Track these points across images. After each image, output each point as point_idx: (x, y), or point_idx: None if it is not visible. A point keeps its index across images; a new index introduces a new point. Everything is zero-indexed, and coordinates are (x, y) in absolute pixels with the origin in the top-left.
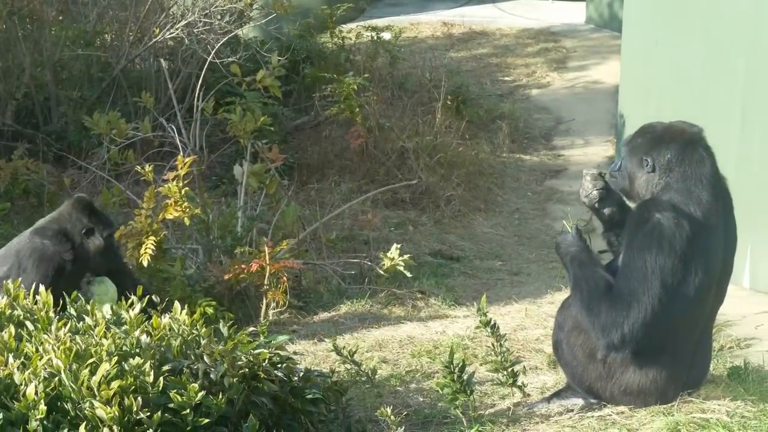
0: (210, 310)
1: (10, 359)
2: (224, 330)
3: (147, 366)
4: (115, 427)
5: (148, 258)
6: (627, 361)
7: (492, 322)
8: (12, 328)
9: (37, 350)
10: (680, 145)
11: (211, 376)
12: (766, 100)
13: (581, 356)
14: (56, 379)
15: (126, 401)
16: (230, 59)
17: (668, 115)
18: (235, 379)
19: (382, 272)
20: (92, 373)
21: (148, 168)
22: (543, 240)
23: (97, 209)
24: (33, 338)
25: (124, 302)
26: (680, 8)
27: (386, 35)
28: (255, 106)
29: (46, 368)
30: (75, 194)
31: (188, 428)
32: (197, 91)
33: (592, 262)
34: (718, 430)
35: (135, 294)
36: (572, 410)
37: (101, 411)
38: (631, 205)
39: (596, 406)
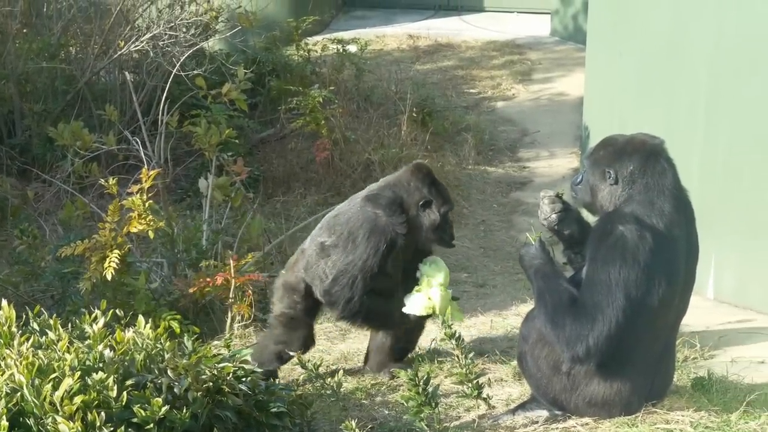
0: (174, 324)
1: None
2: (188, 344)
3: (110, 380)
4: None
5: (112, 271)
6: (591, 373)
7: (457, 334)
8: None
9: None
10: (642, 157)
11: (175, 390)
12: (729, 112)
13: (546, 368)
14: (18, 394)
15: (89, 416)
16: (195, 72)
17: (632, 127)
18: (199, 393)
19: None
20: (55, 388)
21: (112, 181)
22: (508, 252)
23: (437, 180)
24: None
25: None
26: (644, 21)
27: (352, 48)
28: (220, 119)
29: (8, 383)
30: (415, 161)
31: None
32: (162, 104)
33: (556, 275)
34: None
35: None
36: (537, 422)
37: (64, 426)
38: (594, 217)
39: (561, 417)
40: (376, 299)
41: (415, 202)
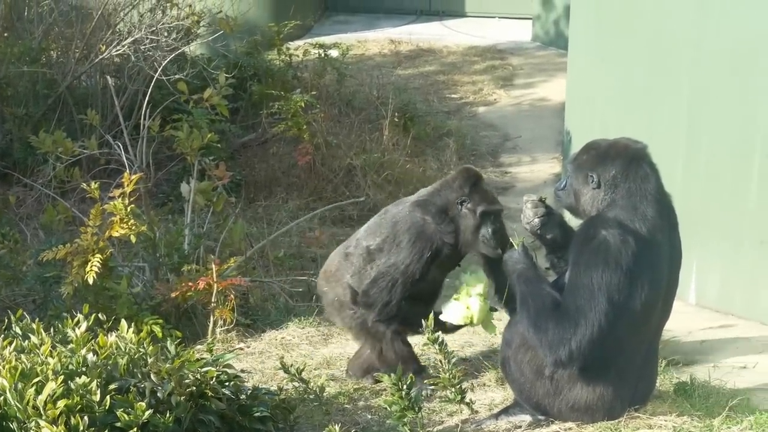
0: (157, 329)
1: None
2: (171, 348)
3: (93, 385)
4: None
5: (94, 276)
6: (574, 378)
7: (440, 339)
8: None
9: None
10: (625, 162)
11: (158, 394)
12: (711, 117)
13: (529, 373)
14: (1, 398)
15: (72, 420)
16: (177, 76)
17: (614, 132)
18: (182, 398)
19: None
20: (38, 392)
21: (94, 185)
22: None
23: (482, 182)
24: None
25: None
26: (626, 26)
27: (333, 52)
28: (202, 123)
29: None
30: (465, 165)
31: None
32: (144, 109)
33: (539, 279)
34: None
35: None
36: (520, 427)
37: (47, 430)
38: (577, 221)
39: (544, 422)
40: (415, 305)
41: (453, 200)
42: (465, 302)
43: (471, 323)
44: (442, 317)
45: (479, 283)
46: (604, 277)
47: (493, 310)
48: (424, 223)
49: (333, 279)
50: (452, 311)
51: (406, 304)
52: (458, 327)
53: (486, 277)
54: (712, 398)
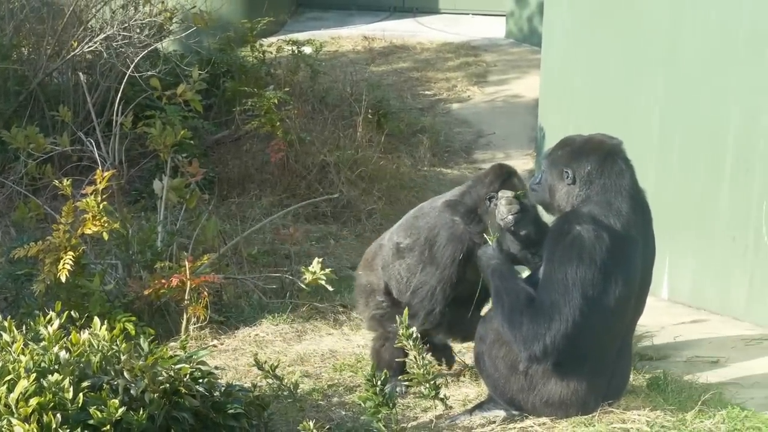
0: (129, 326)
1: None
2: (144, 345)
3: (66, 382)
4: None
5: (66, 273)
6: (548, 373)
7: (414, 335)
8: None
9: None
10: (600, 158)
11: (132, 391)
12: (684, 114)
13: (503, 368)
14: None
15: (45, 418)
16: (150, 73)
17: (588, 128)
18: (155, 395)
19: (303, 286)
20: (10, 390)
21: (66, 182)
22: None
23: (516, 178)
24: None
25: None
26: (599, 22)
27: (307, 49)
28: (175, 120)
29: None
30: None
31: None
32: (116, 105)
33: (513, 275)
34: None
35: None
36: (494, 422)
37: (19, 428)
38: (551, 217)
39: (518, 417)
40: (459, 310)
41: (483, 197)
42: None
43: None
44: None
45: None
46: (578, 272)
47: None
48: (453, 224)
49: (369, 267)
50: None
51: (450, 310)
52: None
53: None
54: (684, 393)
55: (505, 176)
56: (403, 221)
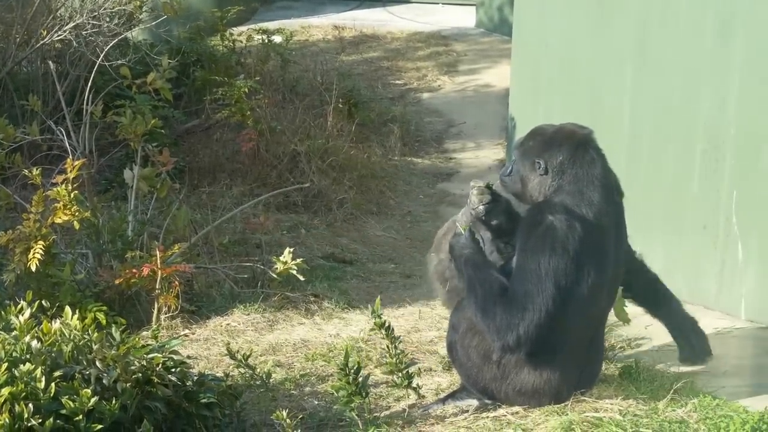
0: (101, 316)
1: None
2: (116, 335)
3: (38, 372)
4: None
5: (37, 263)
6: (521, 362)
7: (387, 324)
8: None
9: None
10: (572, 147)
11: (104, 381)
12: (654, 103)
13: (476, 358)
14: None
15: (17, 408)
16: (120, 62)
17: (558, 118)
18: (128, 384)
19: (275, 276)
20: None
21: (35, 172)
22: None
23: None
24: None
25: None
26: (569, 12)
27: (277, 38)
28: (145, 109)
29: None
30: None
31: None
32: (86, 94)
33: (487, 265)
34: (611, 429)
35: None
36: (467, 411)
37: None
38: (523, 207)
39: (491, 406)
40: None
41: None
42: None
43: None
44: None
45: None
46: (551, 262)
47: (626, 296)
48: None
49: (439, 248)
50: None
51: None
52: None
53: None
54: (656, 381)
55: None
56: None
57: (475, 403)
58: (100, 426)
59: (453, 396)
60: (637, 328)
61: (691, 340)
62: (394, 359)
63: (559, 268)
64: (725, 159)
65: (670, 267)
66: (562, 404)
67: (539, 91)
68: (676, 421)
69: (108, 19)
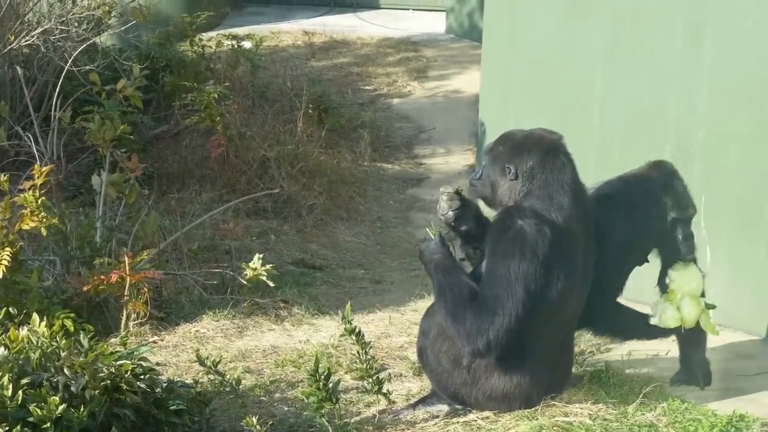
0: (69, 323)
1: None
2: (85, 342)
3: (5, 379)
4: None
5: (4, 269)
6: (492, 367)
7: (357, 330)
8: None
9: None
10: (542, 152)
11: (72, 388)
12: (624, 107)
13: (446, 363)
14: None
15: None
16: (88, 67)
17: (528, 123)
18: (96, 392)
19: (244, 282)
20: None
21: (3, 178)
22: (405, 248)
23: (676, 181)
24: None
25: None
26: (539, 17)
27: (247, 44)
28: (114, 115)
29: None
30: (658, 159)
31: None
32: (54, 100)
33: (456, 270)
34: None
35: None
36: (437, 416)
37: None
38: (493, 212)
39: (461, 411)
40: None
41: (643, 203)
42: (675, 303)
43: (682, 326)
44: (651, 321)
45: (691, 280)
46: (521, 266)
47: (710, 307)
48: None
49: None
50: (661, 313)
51: None
52: (671, 331)
53: (699, 272)
54: (626, 386)
55: (666, 180)
56: None
57: (445, 408)
58: None
59: (423, 401)
60: None
61: (691, 364)
62: (365, 365)
63: (529, 272)
64: (694, 162)
65: (639, 271)
66: (533, 409)
67: (509, 96)
68: (646, 425)
69: (76, 25)
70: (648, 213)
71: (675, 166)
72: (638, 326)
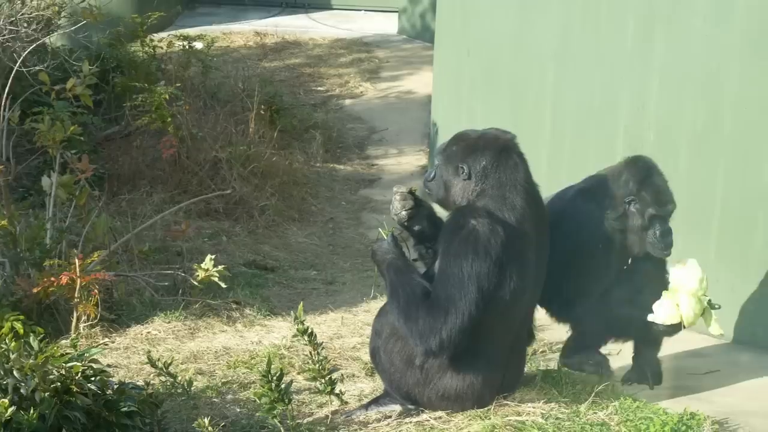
0: (18, 325)
1: None
2: (35, 344)
3: None
4: None
5: None
6: (444, 367)
7: (309, 331)
8: None
9: None
10: (495, 153)
11: (22, 390)
12: (576, 107)
13: (399, 363)
14: None
15: None
16: (38, 68)
17: (481, 123)
18: (46, 394)
19: (196, 283)
20: None
21: None
22: (357, 249)
23: (655, 176)
24: None
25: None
26: (490, 18)
27: (198, 44)
28: (64, 116)
29: None
30: (636, 155)
31: None
32: (3, 100)
33: (409, 269)
34: None
35: None
36: (390, 417)
37: None
38: (446, 212)
39: (414, 411)
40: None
41: (621, 197)
42: (675, 300)
43: (682, 324)
44: (650, 317)
45: (692, 278)
46: (473, 266)
47: (713, 307)
48: (588, 211)
49: None
50: (660, 310)
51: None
52: (672, 329)
53: (701, 270)
54: (578, 385)
55: (643, 175)
56: None
57: (398, 408)
58: None
59: (376, 402)
60: (559, 332)
61: (642, 363)
62: (317, 365)
63: (482, 272)
64: None
65: None
66: (485, 408)
67: (461, 96)
68: (598, 424)
69: (26, 25)
70: (626, 208)
71: (654, 161)
72: (636, 324)
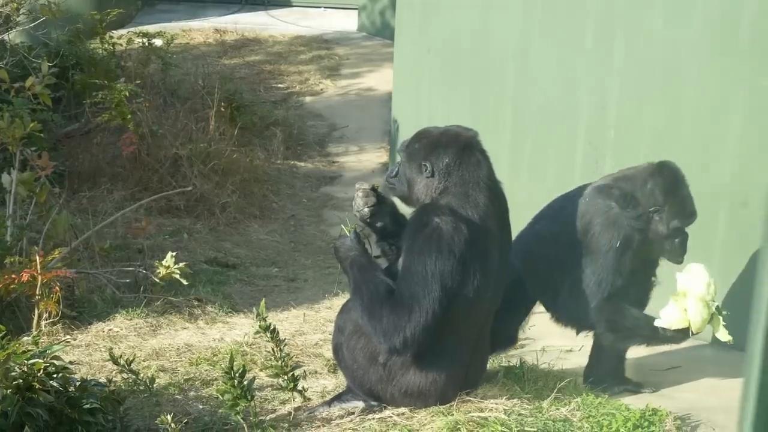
0: None
1: None
2: None
3: None
4: None
5: None
6: (407, 364)
7: (271, 327)
8: None
9: None
10: (458, 150)
11: None
12: (536, 105)
13: (362, 359)
14: None
15: None
16: None
17: (441, 120)
18: (8, 391)
19: (157, 280)
20: None
21: None
22: (319, 246)
23: (680, 185)
24: None
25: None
26: (450, 16)
27: (158, 41)
28: (23, 113)
29: None
30: (662, 160)
31: None
32: None
33: (372, 267)
34: (497, 428)
35: None
36: (353, 413)
37: None
38: (410, 209)
39: (377, 408)
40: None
41: (646, 206)
42: (682, 305)
43: (690, 329)
44: (656, 323)
45: (700, 283)
46: (437, 264)
47: (720, 312)
48: (608, 209)
49: None
50: (667, 314)
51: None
52: (679, 334)
53: (708, 275)
54: (540, 381)
55: (669, 184)
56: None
57: (360, 404)
58: None
59: (339, 398)
60: (521, 330)
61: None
62: (280, 362)
63: (446, 269)
64: (605, 159)
65: None
66: (448, 405)
67: (421, 94)
68: (560, 420)
69: None
70: (650, 217)
71: (679, 168)
72: (644, 328)
